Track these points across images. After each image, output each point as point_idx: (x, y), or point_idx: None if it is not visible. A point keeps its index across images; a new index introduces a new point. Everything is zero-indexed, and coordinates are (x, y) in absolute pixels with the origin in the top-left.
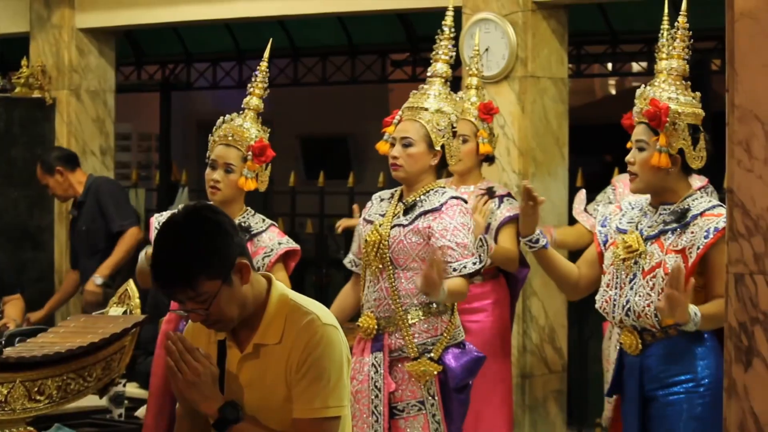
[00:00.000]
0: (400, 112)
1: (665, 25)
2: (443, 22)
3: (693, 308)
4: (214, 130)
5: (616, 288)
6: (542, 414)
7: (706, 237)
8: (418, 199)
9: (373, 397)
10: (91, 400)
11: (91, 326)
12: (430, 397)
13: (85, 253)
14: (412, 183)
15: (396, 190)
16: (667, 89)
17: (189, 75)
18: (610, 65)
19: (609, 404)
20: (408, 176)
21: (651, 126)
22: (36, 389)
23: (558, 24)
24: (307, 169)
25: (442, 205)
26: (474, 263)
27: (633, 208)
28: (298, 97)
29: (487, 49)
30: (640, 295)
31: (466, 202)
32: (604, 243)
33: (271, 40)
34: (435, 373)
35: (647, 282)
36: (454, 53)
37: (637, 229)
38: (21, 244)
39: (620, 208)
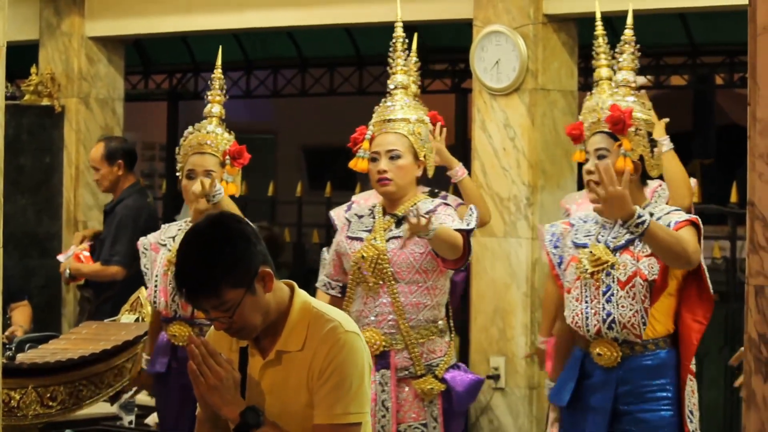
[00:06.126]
0: (370, 128)
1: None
2: (394, 34)
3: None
4: (182, 141)
5: (586, 302)
6: None
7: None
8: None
9: (380, 416)
10: (102, 407)
11: (102, 333)
12: (432, 420)
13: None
14: (400, 197)
15: (374, 206)
16: (621, 98)
17: (197, 84)
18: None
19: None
20: (398, 190)
21: (610, 133)
22: (48, 395)
23: (568, 37)
24: (311, 179)
25: (436, 207)
26: (468, 224)
27: (585, 222)
28: (305, 108)
29: (497, 62)
30: (623, 306)
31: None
32: (559, 264)
33: (220, 48)
34: (439, 391)
35: (627, 292)
36: (409, 63)
37: (598, 241)
38: (28, 251)
39: (570, 224)
